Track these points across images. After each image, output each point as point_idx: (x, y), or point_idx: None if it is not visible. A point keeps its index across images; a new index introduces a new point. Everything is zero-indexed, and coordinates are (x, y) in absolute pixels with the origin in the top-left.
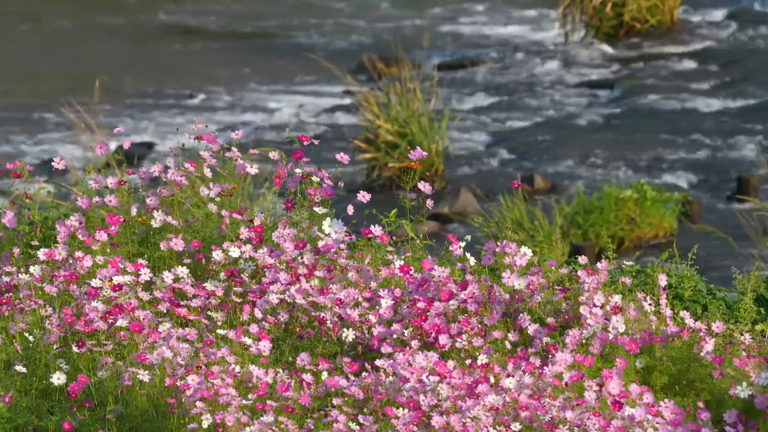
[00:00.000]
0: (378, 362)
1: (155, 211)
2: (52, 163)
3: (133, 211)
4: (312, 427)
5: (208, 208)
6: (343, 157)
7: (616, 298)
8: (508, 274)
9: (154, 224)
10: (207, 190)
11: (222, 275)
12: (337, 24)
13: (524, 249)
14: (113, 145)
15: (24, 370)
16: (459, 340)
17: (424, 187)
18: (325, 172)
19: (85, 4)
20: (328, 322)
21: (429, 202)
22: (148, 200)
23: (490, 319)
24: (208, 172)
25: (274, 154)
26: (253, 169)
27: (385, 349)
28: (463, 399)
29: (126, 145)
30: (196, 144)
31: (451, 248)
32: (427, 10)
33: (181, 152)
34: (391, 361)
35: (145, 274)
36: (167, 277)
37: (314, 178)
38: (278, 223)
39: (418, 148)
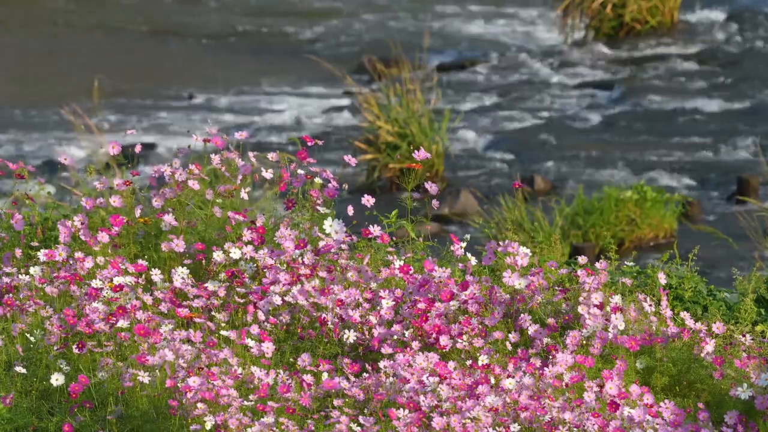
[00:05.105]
0: (379, 363)
1: (165, 215)
2: (59, 158)
3: (137, 212)
4: (313, 428)
5: (211, 210)
6: (350, 159)
7: (616, 299)
8: (508, 273)
9: (164, 227)
10: (211, 191)
11: (222, 276)
12: (337, 25)
13: (523, 249)
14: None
15: (24, 371)
16: (459, 340)
17: (431, 187)
18: (330, 173)
19: (84, 5)
20: (330, 323)
21: (435, 203)
22: (154, 202)
23: (491, 320)
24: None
25: (272, 156)
26: (268, 174)
27: (386, 349)
28: (463, 399)
29: (137, 149)
30: (198, 144)
31: (452, 248)
32: (427, 11)
33: (183, 153)
34: (392, 362)
35: (156, 275)
36: (175, 280)
37: (317, 180)
38: (280, 224)
39: (422, 149)
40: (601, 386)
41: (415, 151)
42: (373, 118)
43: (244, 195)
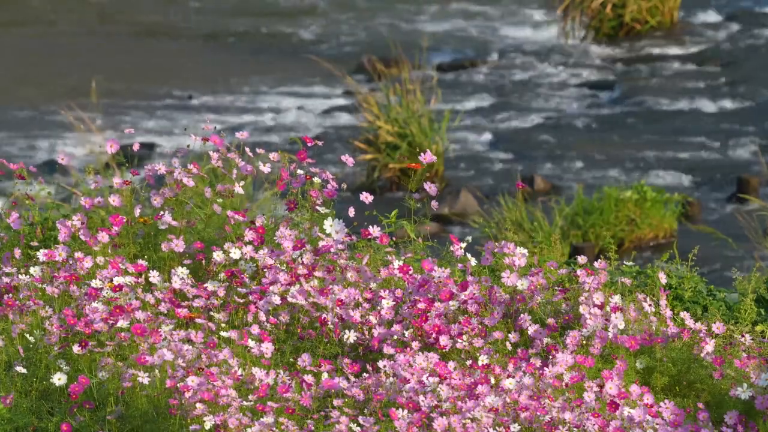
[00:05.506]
0: (379, 363)
1: (164, 213)
2: (57, 158)
3: (137, 211)
4: (312, 428)
5: (211, 209)
6: (347, 159)
7: (616, 298)
8: (507, 273)
9: (161, 226)
10: (210, 190)
11: (222, 276)
12: (337, 25)
13: (520, 249)
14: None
15: (24, 371)
16: (459, 340)
17: (430, 188)
18: (329, 174)
19: (84, 5)
20: (330, 323)
21: (434, 204)
22: (153, 201)
23: (491, 320)
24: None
25: (274, 156)
26: (266, 168)
27: (386, 349)
28: (462, 400)
29: (135, 147)
30: (197, 144)
31: (452, 248)
32: (427, 11)
33: (182, 153)
34: (392, 362)
35: (154, 278)
36: (174, 281)
37: (316, 180)
38: (280, 225)
39: (428, 152)
40: (601, 386)
41: (422, 154)
42: (373, 118)
43: (239, 189)
